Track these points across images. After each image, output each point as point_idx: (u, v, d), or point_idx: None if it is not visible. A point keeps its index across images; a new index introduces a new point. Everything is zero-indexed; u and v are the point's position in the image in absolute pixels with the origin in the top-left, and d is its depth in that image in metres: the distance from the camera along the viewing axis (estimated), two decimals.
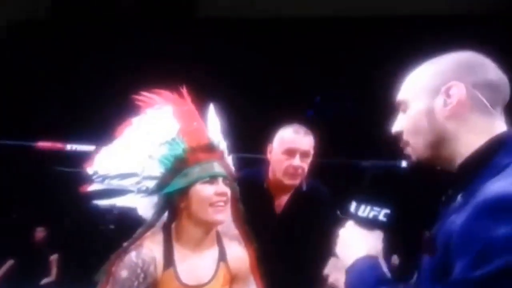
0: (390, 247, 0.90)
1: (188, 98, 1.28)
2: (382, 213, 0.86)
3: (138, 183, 1.21)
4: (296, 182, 1.54)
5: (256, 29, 4.58)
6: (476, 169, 0.71)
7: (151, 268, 1.10)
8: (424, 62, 0.81)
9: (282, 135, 1.56)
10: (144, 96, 1.30)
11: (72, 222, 4.60)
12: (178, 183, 1.17)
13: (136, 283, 1.07)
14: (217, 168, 1.19)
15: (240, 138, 1.64)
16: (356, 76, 4.11)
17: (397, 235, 0.89)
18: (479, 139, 0.73)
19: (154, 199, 1.22)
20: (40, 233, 4.75)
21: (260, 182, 1.59)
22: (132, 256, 1.10)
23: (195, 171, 1.17)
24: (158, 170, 1.20)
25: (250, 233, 1.25)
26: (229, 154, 1.29)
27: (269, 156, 1.58)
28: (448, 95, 0.74)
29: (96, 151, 1.29)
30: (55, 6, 5.13)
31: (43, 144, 4.29)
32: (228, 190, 1.17)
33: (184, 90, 1.28)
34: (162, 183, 1.19)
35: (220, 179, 1.17)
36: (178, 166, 1.18)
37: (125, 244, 1.14)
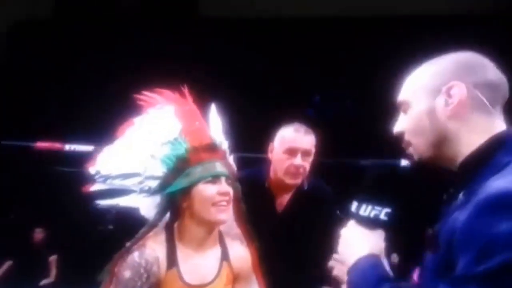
0: (389, 245, 0.90)
1: (189, 98, 1.28)
2: (383, 212, 0.87)
3: (140, 183, 1.21)
4: (298, 181, 1.54)
5: (257, 29, 4.58)
6: (477, 167, 0.72)
7: (154, 268, 1.10)
8: (424, 62, 0.82)
9: (283, 134, 1.55)
10: (146, 96, 1.29)
11: (71, 222, 4.59)
12: (181, 183, 1.17)
13: (139, 283, 1.07)
14: (219, 167, 1.18)
15: (241, 137, 1.64)
16: (356, 76, 4.12)
17: (396, 233, 0.89)
18: (480, 138, 0.74)
19: (157, 199, 1.22)
20: (39, 234, 4.74)
21: (261, 181, 1.59)
22: (135, 256, 1.10)
23: (198, 170, 1.16)
24: (160, 170, 1.20)
25: (252, 232, 1.25)
26: (230, 154, 1.29)
27: (270, 155, 1.58)
28: (449, 95, 0.75)
29: (97, 151, 1.29)
30: (58, 6, 5.12)
31: (41, 144, 4.28)
32: (230, 190, 1.17)
33: (185, 90, 1.28)
34: (165, 183, 1.19)
35: (222, 179, 1.17)
36: (181, 166, 1.18)
37: (128, 244, 1.14)
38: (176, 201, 1.18)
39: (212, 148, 1.22)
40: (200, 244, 1.18)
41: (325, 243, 1.12)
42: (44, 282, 4.57)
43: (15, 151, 4.36)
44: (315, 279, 1.13)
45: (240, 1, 4.67)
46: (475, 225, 0.64)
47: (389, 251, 0.90)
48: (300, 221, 1.54)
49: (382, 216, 0.86)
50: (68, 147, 3.71)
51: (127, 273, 1.08)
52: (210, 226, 1.18)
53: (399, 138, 0.82)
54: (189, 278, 1.15)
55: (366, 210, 0.87)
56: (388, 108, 0.92)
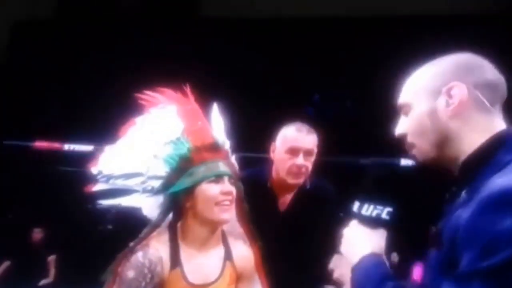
0: (389, 244, 0.90)
1: (191, 97, 1.28)
2: (385, 212, 0.88)
3: (143, 182, 1.21)
4: (300, 181, 1.53)
5: (258, 29, 4.58)
6: (479, 166, 0.73)
7: (158, 268, 1.10)
8: (424, 62, 0.83)
9: (285, 133, 1.55)
10: (148, 95, 1.29)
11: (70, 222, 4.59)
12: (184, 182, 1.17)
13: (143, 284, 1.07)
14: (222, 167, 1.18)
15: (243, 137, 1.63)
16: (356, 76, 4.12)
17: (397, 232, 0.90)
18: (481, 137, 0.75)
19: (159, 199, 1.21)
20: (37, 234, 4.73)
21: (263, 181, 1.58)
22: (138, 256, 1.10)
23: (201, 170, 1.16)
24: (163, 170, 1.20)
25: (255, 232, 1.25)
26: (232, 153, 1.29)
27: (272, 155, 1.58)
28: (449, 96, 0.77)
29: (97, 151, 1.28)
30: (59, 6, 5.11)
31: (40, 144, 4.27)
32: (233, 189, 1.17)
33: (187, 89, 1.27)
34: (168, 183, 1.19)
35: (225, 178, 1.17)
36: (183, 165, 1.18)
37: (131, 244, 1.14)
38: (179, 201, 1.18)
39: (214, 148, 1.22)
40: (203, 244, 1.18)
41: (328, 242, 1.12)
42: (43, 282, 4.56)
43: (14, 151, 4.35)
44: (318, 279, 1.13)
45: (241, 1, 4.67)
46: (478, 222, 0.65)
47: (389, 250, 0.91)
48: (302, 221, 1.54)
49: (384, 215, 0.87)
50: (67, 146, 3.70)
51: (130, 273, 1.07)
52: (213, 226, 1.18)
53: (401, 140, 0.83)
54: (192, 277, 1.15)
55: (368, 210, 0.88)
56: (388, 108, 0.92)
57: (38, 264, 4.60)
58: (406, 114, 0.82)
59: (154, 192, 1.21)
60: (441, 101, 0.77)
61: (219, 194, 1.15)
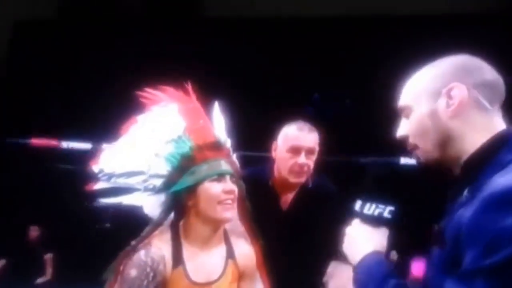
0: (389, 243, 0.91)
1: (193, 96, 1.27)
2: (387, 210, 0.89)
3: (144, 181, 1.21)
4: (302, 180, 1.53)
5: (259, 28, 4.57)
6: (480, 165, 0.74)
7: (161, 267, 1.10)
8: (424, 61, 0.84)
9: (286, 132, 1.54)
10: (149, 93, 1.29)
11: (67, 220, 4.57)
12: (186, 181, 1.16)
13: (145, 282, 1.06)
14: (224, 166, 1.18)
15: (244, 136, 1.63)
16: (358, 75, 4.13)
17: (397, 231, 0.91)
18: (482, 137, 0.76)
19: (161, 197, 1.21)
20: (34, 232, 4.70)
21: (265, 180, 1.58)
22: (141, 255, 1.09)
23: (203, 169, 1.16)
24: (164, 168, 1.20)
25: (256, 231, 1.25)
26: (233, 152, 1.28)
27: (273, 154, 1.57)
28: (450, 97, 0.78)
29: (96, 149, 1.27)
30: (62, 6, 5.09)
31: (38, 142, 4.25)
32: (235, 188, 1.17)
33: (189, 87, 1.27)
34: (170, 181, 1.18)
35: (227, 177, 1.17)
36: (185, 164, 1.18)
37: (133, 242, 1.13)
38: (181, 200, 1.18)
39: (216, 146, 1.22)
40: (205, 242, 1.18)
41: (329, 241, 1.13)
42: (39, 280, 4.54)
43: (12, 149, 4.32)
44: (319, 278, 1.13)
45: (242, 1, 4.66)
46: (481, 221, 0.66)
47: (388, 249, 0.91)
48: (304, 220, 1.54)
49: (386, 214, 0.89)
50: (65, 144, 3.68)
51: (133, 272, 1.07)
52: (216, 224, 1.18)
53: (403, 142, 0.85)
54: (195, 276, 1.14)
55: (370, 209, 0.89)
56: (388, 107, 0.93)
57: (34, 262, 4.58)
58: (407, 116, 0.83)
59: (156, 190, 1.20)
60: (442, 102, 0.78)
61: (221, 192, 1.14)
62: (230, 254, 1.21)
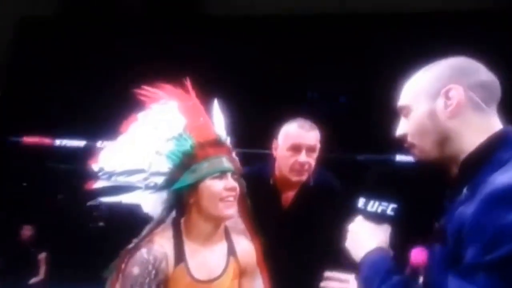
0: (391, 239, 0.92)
1: (192, 93, 1.27)
2: (389, 208, 0.90)
3: (145, 179, 1.20)
4: (303, 178, 1.52)
5: (259, 26, 4.56)
6: (479, 163, 0.77)
7: (163, 265, 1.10)
8: (422, 59, 0.87)
9: (287, 130, 1.54)
10: (148, 91, 1.28)
11: (61, 219, 4.53)
12: (187, 178, 1.16)
13: (147, 280, 1.06)
14: (226, 163, 1.19)
15: (244, 133, 1.63)
16: (359, 74, 4.14)
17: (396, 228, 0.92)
18: (479, 136, 0.79)
19: (162, 195, 1.21)
20: (27, 231, 4.65)
21: (266, 178, 1.57)
22: (143, 252, 1.09)
23: (204, 166, 1.16)
24: (165, 166, 1.20)
25: (258, 229, 1.25)
26: (233, 150, 1.29)
27: (274, 152, 1.57)
28: (448, 98, 0.80)
29: (91, 147, 1.27)
30: (63, 4, 5.03)
31: (31, 140, 4.21)
32: (237, 185, 1.18)
33: (188, 84, 1.27)
34: (171, 179, 1.18)
35: (228, 174, 1.18)
36: (187, 161, 1.18)
37: (134, 240, 1.13)
38: (183, 197, 1.18)
39: (217, 144, 1.22)
40: (207, 240, 1.18)
41: (331, 239, 1.14)
42: (33, 280, 4.50)
43: (6, 147, 4.28)
44: (319, 276, 1.13)
45: None
46: (482, 218, 0.68)
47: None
48: (305, 218, 1.54)
49: (389, 211, 0.90)
50: (59, 142, 3.64)
51: (135, 270, 1.07)
52: (217, 222, 1.18)
53: (402, 140, 0.87)
54: (197, 273, 1.15)
55: (374, 206, 0.90)
56: (388, 105, 0.94)
57: (28, 262, 4.53)
58: (406, 116, 0.85)
59: (157, 188, 1.20)
60: (440, 103, 0.80)
61: (223, 190, 1.15)
62: (231, 251, 1.22)
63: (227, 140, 1.26)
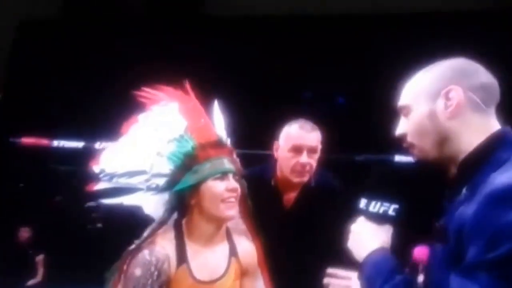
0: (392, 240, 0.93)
1: (192, 95, 1.28)
2: (391, 208, 0.91)
3: (147, 180, 1.20)
4: (304, 179, 1.52)
5: (260, 27, 4.56)
6: (478, 164, 0.77)
7: (165, 266, 1.10)
8: (422, 59, 0.88)
9: (288, 131, 1.53)
10: (149, 93, 1.28)
11: (59, 221, 4.51)
12: (189, 180, 1.17)
13: (150, 281, 1.06)
14: (227, 164, 1.19)
15: (245, 134, 1.63)
16: (361, 74, 4.14)
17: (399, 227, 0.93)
18: (478, 137, 0.80)
19: (163, 196, 1.21)
20: (24, 233, 4.63)
21: (268, 179, 1.57)
22: (145, 254, 1.09)
23: (206, 167, 1.17)
24: (167, 168, 1.20)
25: (259, 229, 1.25)
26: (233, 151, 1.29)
27: (275, 154, 1.56)
28: (448, 98, 0.81)
29: (90, 149, 1.27)
30: (66, 6, 5.02)
31: (29, 141, 4.19)
32: (238, 186, 1.18)
33: (187, 86, 1.27)
34: (172, 180, 1.19)
35: (230, 175, 1.18)
36: (188, 163, 1.18)
37: (136, 241, 1.13)
38: (184, 198, 1.18)
39: (219, 145, 1.22)
40: (209, 240, 1.19)
41: (332, 239, 1.14)
42: (31, 282, 4.48)
43: (7, 147, 4.26)
44: (321, 277, 1.13)
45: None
46: (483, 217, 0.69)
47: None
48: (307, 219, 1.54)
49: (391, 212, 0.91)
50: (58, 143, 3.63)
51: (137, 271, 1.07)
52: (219, 222, 1.19)
53: (401, 140, 0.87)
54: (199, 274, 1.15)
55: (375, 207, 0.91)
56: (390, 105, 0.95)
57: (25, 264, 4.51)
58: (406, 115, 0.86)
59: (159, 190, 1.20)
60: (440, 104, 0.81)
61: (224, 191, 1.15)
62: (233, 252, 1.22)
63: (228, 141, 1.26)
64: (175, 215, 1.21)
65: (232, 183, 1.17)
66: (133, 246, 1.13)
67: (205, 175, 1.16)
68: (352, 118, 4.21)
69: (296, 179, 1.51)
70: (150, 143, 1.23)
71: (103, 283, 1.17)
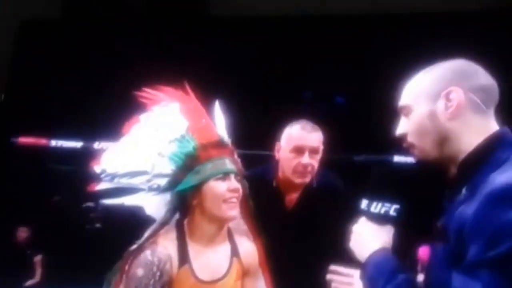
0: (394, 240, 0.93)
1: (192, 95, 1.28)
2: (392, 209, 0.92)
3: (148, 181, 1.20)
4: (306, 180, 1.51)
5: (261, 27, 4.55)
6: (477, 164, 0.78)
7: (167, 266, 1.10)
8: (423, 59, 0.89)
9: (289, 132, 1.53)
10: (149, 93, 1.28)
11: (57, 221, 4.49)
12: (191, 180, 1.17)
13: (152, 281, 1.06)
14: (229, 164, 1.19)
15: (245, 135, 1.63)
16: (362, 74, 4.14)
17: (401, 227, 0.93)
18: (478, 137, 0.80)
19: (165, 197, 1.21)
20: (22, 233, 4.62)
21: (269, 180, 1.57)
22: (147, 254, 1.09)
23: (208, 168, 1.17)
24: (168, 168, 1.20)
25: (261, 230, 1.25)
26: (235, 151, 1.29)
27: (277, 154, 1.56)
28: (448, 99, 0.82)
29: (90, 148, 1.27)
30: (67, 6, 5.01)
31: (27, 140, 4.18)
32: (240, 186, 1.18)
33: (187, 87, 1.27)
34: (174, 181, 1.19)
35: (231, 176, 1.18)
36: (190, 163, 1.18)
37: (138, 242, 1.13)
38: (186, 199, 1.18)
39: (220, 145, 1.22)
40: (210, 241, 1.19)
41: (334, 240, 1.14)
42: (29, 283, 4.46)
43: (7, 148, 4.24)
44: (323, 277, 1.13)
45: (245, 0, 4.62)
46: (483, 216, 0.70)
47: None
48: (309, 219, 1.53)
49: (392, 212, 0.91)
50: (57, 143, 3.62)
51: (140, 271, 1.07)
52: (221, 223, 1.19)
53: (401, 140, 0.88)
54: (201, 274, 1.15)
55: (377, 207, 0.91)
56: (390, 106, 0.95)
57: (23, 264, 4.50)
58: (407, 115, 0.87)
59: (160, 190, 1.20)
60: (440, 104, 0.82)
61: (226, 191, 1.15)
62: (235, 252, 1.22)
63: (229, 141, 1.26)
64: (176, 216, 1.21)
65: (233, 183, 1.17)
66: (134, 246, 1.12)
67: (207, 176, 1.16)
68: (352, 118, 4.21)
69: (298, 180, 1.51)
70: (151, 144, 1.23)
71: (101, 283, 1.17)
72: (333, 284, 1.06)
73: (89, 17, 4.90)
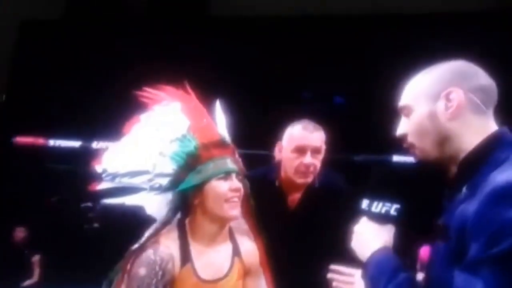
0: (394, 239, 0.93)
1: (193, 94, 1.28)
2: (393, 208, 0.92)
3: (150, 180, 1.21)
4: (308, 180, 1.51)
5: (262, 27, 4.56)
6: (477, 163, 0.79)
7: (169, 265, 1.10)
8: (423, 59, 0.89)
9: (291, 132, 1.53)
10: (150, 93, 1.28)
11: (55, 221, 4.48)
12: (193, 179, 1.17)
13: (154, 281, 1.07)
14: (230, 164, 1.19)
15: (246, 134, 1.63)
16: (363, 74, 4.15)
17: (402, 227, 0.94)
18: (478, 137, 0.81)
19: (166, 196, 1.21)
20: (20, 233, 4.61)
21: (272, 180, 1.57)
22: (149, 253, 1.10)
23: (209, 167, 1.17)
24: (170, 167, 1.20)
25: (263, 230, 1.26)
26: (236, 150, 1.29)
27: (279, 154, 1.55)
28: (448, 100, 0.83)
29: (88, 148, 1.27)
30: (69, 6, 5.02)
31: (25, 140, 4.18)
32: (241, 186, 1.18)
33: (188, 86, 1.27)
34: (176, 180, 1.19)
35: (233, 175, 1.18)
36: (191, 163, 1.18)
37: (139, 241, 1.13)
38: (187, 198, 1.18)
39: (222, 145, 1.22)
40: (212, 240, 1.19)
41: (336, 240, 1.14)
42: (27, 283, 4.46)
43: (8, 148, 4.24)
44: (325, 277, 1.13)
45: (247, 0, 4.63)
46: (485, 214, 0.71)
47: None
48: (311, 219, 1.53)
49: (392, 212, 0.92)
50: (57, 143, 3.62)
51: (142, 271, 1.07)
52: (222, 222, 1.19)
53: (402, 140, 0.89)
54: (203, 273, 1.15)
55: (378, 207, 0.92)
56: (390, 106, 0.96)
57: (21, 265, 4.48)
58: (407, 115, 0.88)
59: (162, 190, 1.20)
60: (441, 105, 0.83)
61: (228, 191, 1.16)
62: (236, 252, 1.23)
63: (231, 141, 1.26)
64: (178, 215, 1.21)
65: (235, 183, 1.17)
66: (136, 246, 1.13)
67: (208, 175, 1.16)
68: (352, 118, 4.21)
69: (300, 180, 1.51)
70: (152, 143, 1.23)
71: (100, 284, 1.17)
72: (334, 284, 1.07)
73: (89, 17, 4.90)
